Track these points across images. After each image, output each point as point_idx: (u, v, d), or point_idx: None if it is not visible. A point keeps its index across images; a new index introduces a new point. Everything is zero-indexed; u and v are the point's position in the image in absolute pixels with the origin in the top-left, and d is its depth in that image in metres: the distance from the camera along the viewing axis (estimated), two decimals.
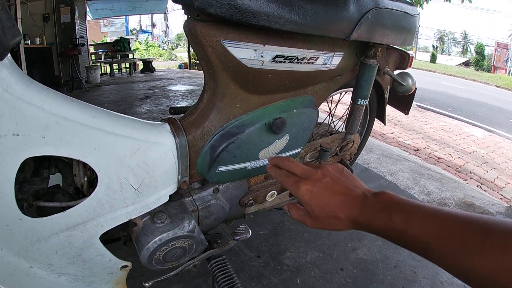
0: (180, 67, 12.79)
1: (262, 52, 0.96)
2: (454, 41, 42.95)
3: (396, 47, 1.62)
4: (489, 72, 27.65)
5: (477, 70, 29.00)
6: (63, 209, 0.92)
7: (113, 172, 0.91)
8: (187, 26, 0.91)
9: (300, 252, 1.81)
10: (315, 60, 1.13)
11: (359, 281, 1.67)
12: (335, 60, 1.20)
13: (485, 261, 0.38)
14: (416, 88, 1.63)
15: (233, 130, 1.07)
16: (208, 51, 0.92)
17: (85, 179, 0.96)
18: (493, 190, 3.69)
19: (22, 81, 0.76)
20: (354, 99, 1.44)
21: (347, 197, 0.57)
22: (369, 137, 2.13)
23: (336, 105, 1.78)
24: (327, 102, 1.69)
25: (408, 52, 1.68)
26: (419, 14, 1.43)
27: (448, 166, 4.21)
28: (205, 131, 1.06)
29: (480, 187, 3.67)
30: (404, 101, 1.87)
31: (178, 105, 1.36)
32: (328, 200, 0.58)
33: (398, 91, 1.60)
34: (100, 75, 8.91)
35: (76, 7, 7.84)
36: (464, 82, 18.81)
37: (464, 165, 4.39)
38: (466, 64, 33.01)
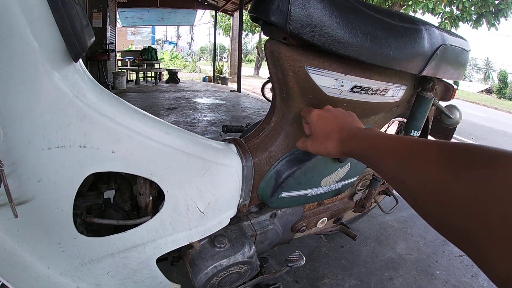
0: (204, 80, 12.92)
1: (342, 82, 0.94)
2: (476, 67, 42.46)
3: (442, 79, 1.61)
4: (511, 100, 27.15)
5: (499, 98, 28.52)
6: (118, 228, 0.89)
7: (181, 193, 0.88)
8: (269, 48, 0.89)
9: (338, 279, 1.76)
10: (386, 92, 1.12)
11: None
12: (401, 92, 1.19)
13: (412, 180, 0.41)
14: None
15: (300, 156, 1.04)
16: (289, 76, 0.90)
17: (151, 198, 0.94)
18: None
19: (93, 89, 0.71)
20: (407, 130, 1.41)
21: (344, 126, 0.70)
22: None
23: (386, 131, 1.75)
24: None
25: (452, 84, 1.67)
26: (471, 50, 1.43)
27: None
28: (272, 155, 1.03)
29: None
30: (445, 132, 1.85)
31: (230, 124, 1.34)
32: (329, 124, 0.74)
33: (445, 123, 1.57)
34: (126, 82, 9.05)
35: (108, 13, 8.03)
36: (486, 109, 18.47)
37: None
38: (488, 91, 32.54)
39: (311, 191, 1.11)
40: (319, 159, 1.05)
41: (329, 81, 0.93)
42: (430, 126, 1.76)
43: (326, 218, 1.32)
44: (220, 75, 12.37)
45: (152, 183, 0.93)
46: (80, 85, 0.68)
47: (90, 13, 7.64)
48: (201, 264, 0.95)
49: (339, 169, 1.14)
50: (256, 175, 1.03)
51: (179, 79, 10.85)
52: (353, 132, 0.65)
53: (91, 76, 0.76)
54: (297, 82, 0.92)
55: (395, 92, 1.14)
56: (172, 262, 1.17)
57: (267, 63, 0.94)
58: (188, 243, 0.94)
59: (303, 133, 1.06)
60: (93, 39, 0.76)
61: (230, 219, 1.03)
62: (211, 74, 12.92)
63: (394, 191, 1.63)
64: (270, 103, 1.34)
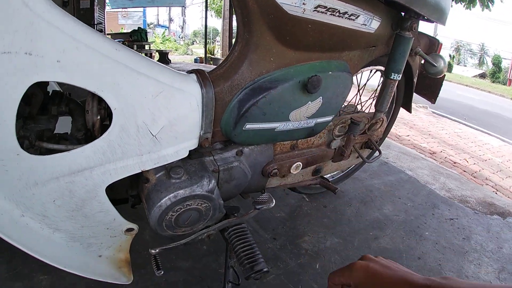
0: (195, 61, 12.68)
1: None
2: (471, 52, 42.32)
3: (426, 33, 1.56)
4: (504, 85, 27.08)
5: (493, 82, 28.45)
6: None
7: (130, 112, 0.80)
8: None
9: (319, 237, 1.69)
10: (356, 18, 1.04)
11: None
12: (374, 23, 1.12)
13: None
14: (445, 75, 1.59)
15: (265, 84, 0.96)
16: None
17: (98, 117, 0.85)
18: (509, 197, 3.54)
19: (45, 1, 0.67)
20: (387, 73, 1.34)
21: (408, 280, 0.48)
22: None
23: (365, 85, 1.67)
24: (356, 76, 1.58)
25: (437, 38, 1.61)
26: None
27: (464, 171, 4.07)
28: (235, 84, 0.95)
29: (496, 192, 3.53)
30: (431, 89, 1.80)
31: None
32: (387, 279, 0.49)
33: (429, 72, 1.51)
34: None
35: None
36: (479, 93, 18.42)
37: (480, 171, 4.26)
38: (482, 76, 32.43)
39: (279, 125, 1.03)
40: (286, 88, 0.97)
41: None
42: (415, 80, 1.69)
43: (300, 163, 1.24)
44: (212, 56, 12.14)
45: (100, 102, 0.86)
46: None
47: None
48: (155, 196, 0.87)
49: (310, 102, 1.05)
50: (218, 105, 0.95)
51: (170, 60, 10.66)
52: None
53: None
54: (256, 1, 0.84)
55: (367, 21, 1.07)
56: (133, 205, 1.09)
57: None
58: (140, 170, 0.86)
59: (267, 59, 0.98)
60: None
61: (191, 152, 0.95)
62: (203, 56, 12.72)
63: (375, 143, 1.56)
64: None
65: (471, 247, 1.81)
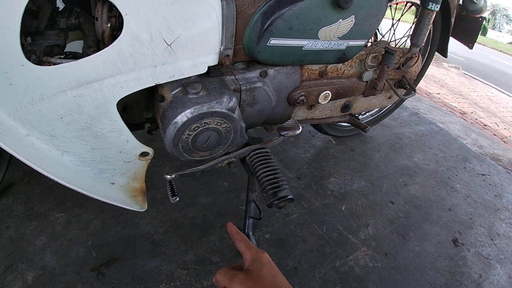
0: None
1: None
2: (507, 18, 39.68)
3: None
4: None
5: None
6: None
7: (143, 19, 0.71)
8: None
9: (345, 179, 1.62)
10: None
11: (411, 217, 1.48)
12: None
13: None
14: (484, 18, 1.53)
15: None
16: None
17: (108, 25, 0.77)
18: None
19: None
20: (424, 2, 1.19)
21: None
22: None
23: (399, 20, 1.52)
24: (390, 8, 1.43)
25: None
26: None
27: (494, 135, 3.87)
28: None
29: None
30: (468, 32, 1.66)
31: None
32: None
33: (469, 9, 1.43)
34: None
35: None
36: None
37: (510, 136, 4.04)
38: None
39: (307, 43, 0.92)
40: (315, 1, 0.86)
41: None
42: (452, 21, 1.55)
43: (329, 93, 1.13)
44: None
45: (111, 10, 0.78)
46: None
47: None
48: (170, 114, 0.80)
49: (341, 20, 0.94)
50: (239, 19, 0.85)
51: None
52: None
53: None
54: None
55: None
56: (150, 130, 1.03)
57: None
58: (154, 84, 0.78)
59: None
60: None
61: (210, 69, 0.86)
62: None
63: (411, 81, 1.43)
64: None
65: (502, 205, 1.71)
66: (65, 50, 0.90)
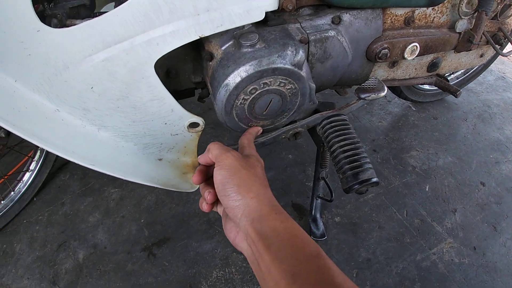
0: None
1: None
2: None
3: None
4: None
5: None
6: None
7: None
8: None
9: (429, 153, 1.39)
10: None
11: (503, 203, 1.23)
12: None
13: None
14: None
15: None
16: None
17: None
18: None
19: None
20: None
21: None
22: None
23: None
24: None
25: None
26: None
27: None
28: None
29: None
30: None
31: None
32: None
33: None
34: None
35: None
36: None
37: None
38: None
39: None
40: None
41: None
42: None
43: (417, 45, 0.90)
44: None
45: None
46: None
47: None
48: (221, 74, 0.64)
49: None
50: None
51: None
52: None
53: None
54: None
55: None
56: (201, 97, 0.88)
57: None
58: (198, 37, 0.61)
59: None
60: None
61: (268, 16, 0.69)
62: None
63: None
64: None
65: None
66: (99, 11, 0.79)
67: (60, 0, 0.70)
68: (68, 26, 0.62)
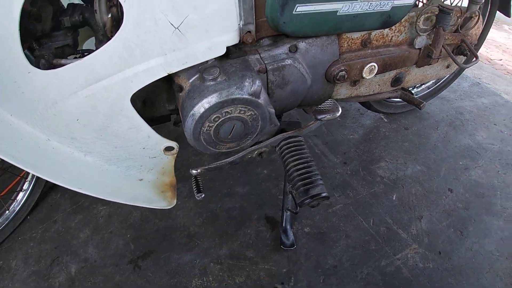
0: None
1: None
2: None
3: None
4: None
5: None
6: None
7: (144, 2, 0.64)
8: None
9: (398, 163, 1.46)
10: None
11: (471, 208, 1.29)
12: None
13: None
14: None
15: None
16: None
17: (109, 16, 0.70)
18: None
19: None
20: None
21: None
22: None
23: None
24: None
25: None
26: None
27: None
28: None
29: None
30: None
31: None
32: None
33: None
34: None
35: None
36: None
37: None
38: None
39: (342, 6, 0.78)
40: None
41: None
42: None
43: (375, 65, 0.98)
44: None
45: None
46: None
47: None
48: (188, 105, 0.72)
49: None
50: None
51: None
52: None
53: None
54: None
55: None
56: (176, 122, 0.97)
57: None
58: (166, 73, 0.70)
59: None
60: None
61: (230, 50, 0.77)
62: None
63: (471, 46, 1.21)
64: None
65: None
66: (81, 49, 0.87)
67: (45, 41, 0.79)
68: (55, 65, 0.71)
